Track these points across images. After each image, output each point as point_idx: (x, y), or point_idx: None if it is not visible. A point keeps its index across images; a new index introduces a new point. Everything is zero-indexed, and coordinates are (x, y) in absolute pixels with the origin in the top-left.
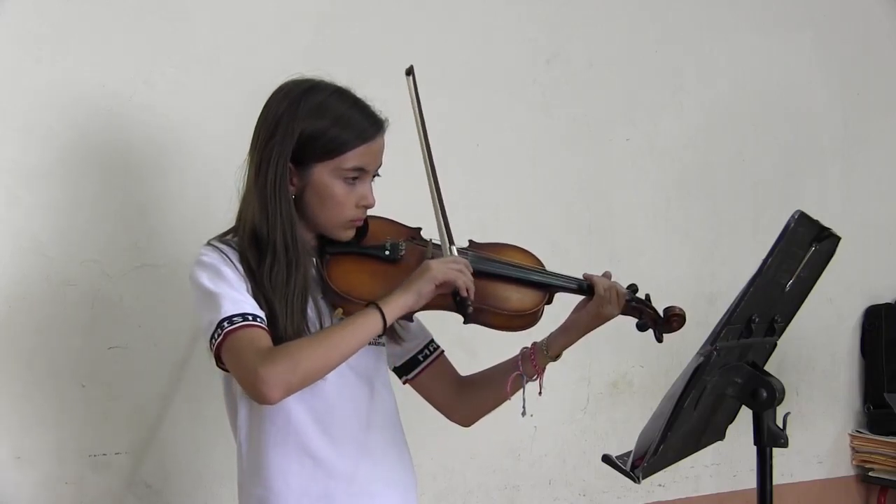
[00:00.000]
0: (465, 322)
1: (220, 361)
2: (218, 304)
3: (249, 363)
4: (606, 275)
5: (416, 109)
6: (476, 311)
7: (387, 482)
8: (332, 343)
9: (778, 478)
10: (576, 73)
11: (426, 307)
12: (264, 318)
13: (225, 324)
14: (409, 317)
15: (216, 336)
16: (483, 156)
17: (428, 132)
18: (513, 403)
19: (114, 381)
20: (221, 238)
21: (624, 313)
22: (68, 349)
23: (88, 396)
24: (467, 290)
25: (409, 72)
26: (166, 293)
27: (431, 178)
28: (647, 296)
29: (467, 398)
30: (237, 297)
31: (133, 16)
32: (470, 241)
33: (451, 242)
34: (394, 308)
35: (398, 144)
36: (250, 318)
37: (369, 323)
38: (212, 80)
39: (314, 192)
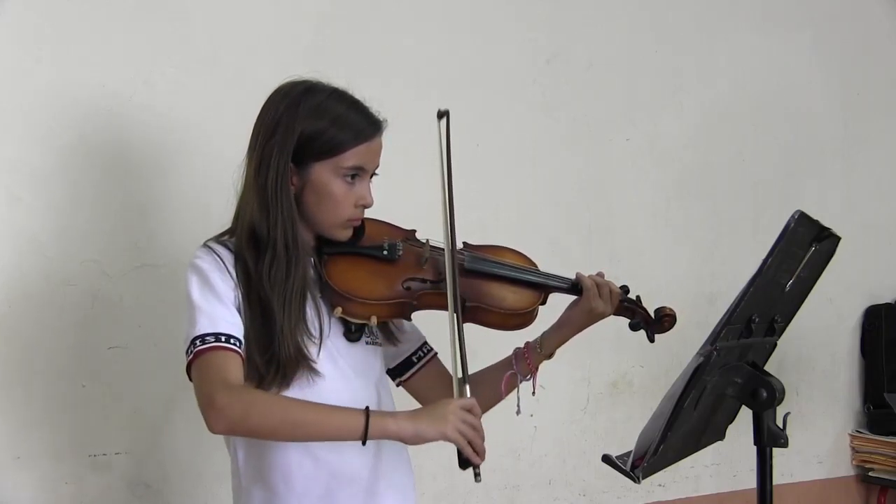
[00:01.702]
0: (462, 468)
1: (190, 374)
2: (195, 318)
3: (208, 389)
4: (599, 274)
5: (445, 155)
6: (472, 310)
7: (387, 481)
8: (295, 419)
9: (778, 478)
10: (576, 73)
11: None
12: (241, 338)
13: (197, 342)
14: (407, 317)
15: (189, 352)
16: (483, 156)
17: (453, 187)
18: (511, 404)
19: (114, 381)
20: (218, 239)
21: (617, 313)
22: (68, 349)
23: (88, 396)
24: (478, 456)
25: (443, 115)
26: (166, 293)
27: (451, 280)
28: (638, 297)
29: None
30: (216, 314)
31: (133, 16)
32: (465, 243)
33: (466, 382)
34: (383, 428)
35: (400, 147)
36: (223, 338)
37: (347, 424)
38: (212, 80)
39: (313, 192)
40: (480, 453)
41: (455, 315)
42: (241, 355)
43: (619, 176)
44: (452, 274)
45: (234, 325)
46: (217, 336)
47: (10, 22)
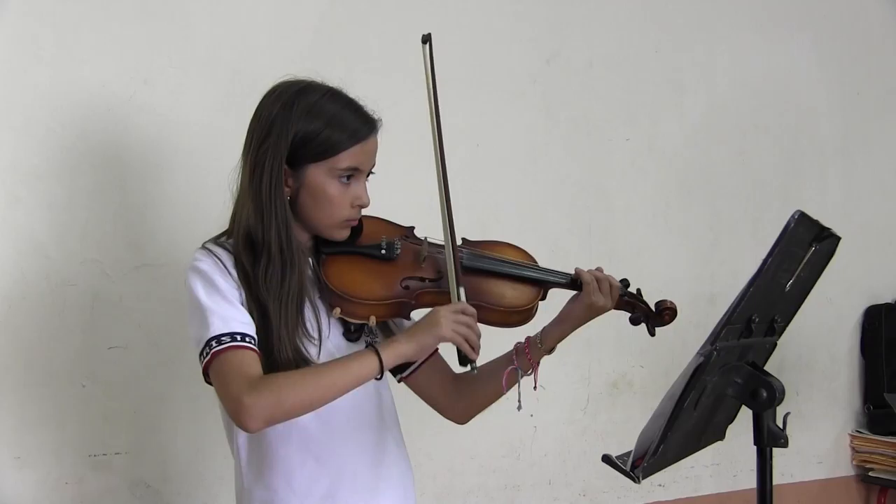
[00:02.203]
0: (461, 366)
1: (207, 376)
2: (207, 320)
3: (234, 390)
4: (598, 269)
5: (430, 81)
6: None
7: (389, 480)
8: (321, 382)
9: (778, 478)
10: (576, 73)
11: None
12: (254, 336)
13: (213, 343)
14: (406, 316)
15: (204, 354)
16: (483, 156)
17: (442, 125)
18: (512, 403)
19: (114, 381)
20: (216, 241)
21: (617, 307)
22: (68, 349)
23: (88, 396)
24: (473, 349)
25: (426, 40)
26: (166, 293)
27: (443, 198)
28: (639, 290)
29: (462, 395)
30: (227, 313)
31: (133, 16)
32: (463, 239)
33: (460, 284)
34: (392, 355)
35: (400, 147)
36: (238, 337)
37: (364, 367)
38: (212, 80)
39: (309, 193)
40: (476, 349)
41: (447, 215)
42: (257, 352)
43: (619, 176)
44: (443, 170)
45: (246, 324)
46: (232, 336)
47: (10, 22)
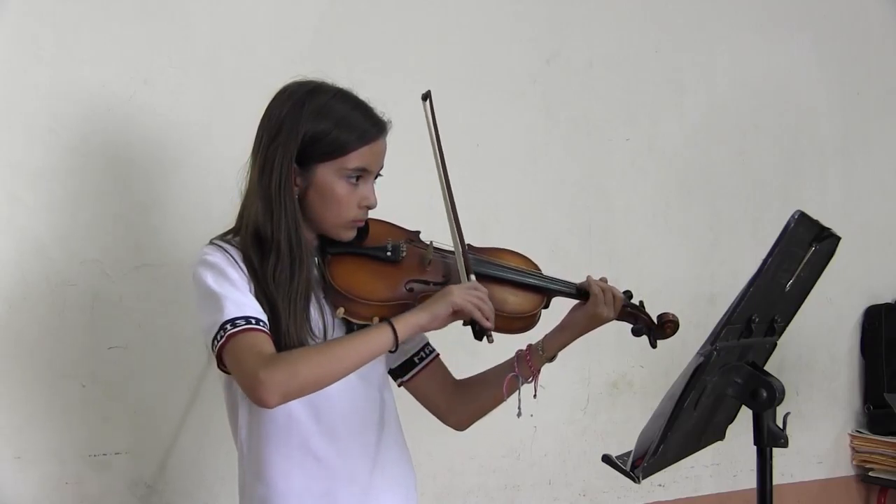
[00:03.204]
0: (477, 339)
1: (221, 363)
2: (221, 305)
3: (250, 367)
4: (602, 279)
5: (433, 135)
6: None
7: (388, 481)
8: (336, 354)
9: (778, 478)
10: (576, 73)
11: None
12: (266, 321)
13: (228, 326)
14: None
15: (218, 338)
16: (483, 156)
17: (445, 158)
18: (512, 405)
19: (114, 381)
20: (223, 238)
21: (619, 318)
22: (68, 349)
23: (88, 396)
24: (487, 320)
25: (426, 97)
26: (166, 293)
27: (449, 205)
28: (641, 302)
29: (462, 401)
30: (240, 300)
31: (133, 16)
32: (468, 245)
33: (470, 271)
34: (406, 326)
35: (399, 147)
36: (253, 321)
37: (379, 338)
38: (212, 80)
39: (317, 192)
40: (490, 318)
41: (450, 208)
42: (271, 336)
43: (619, 176)
44: (449, 196)
45: (258, 310)
46: (247, 319)
47: (10, 22)
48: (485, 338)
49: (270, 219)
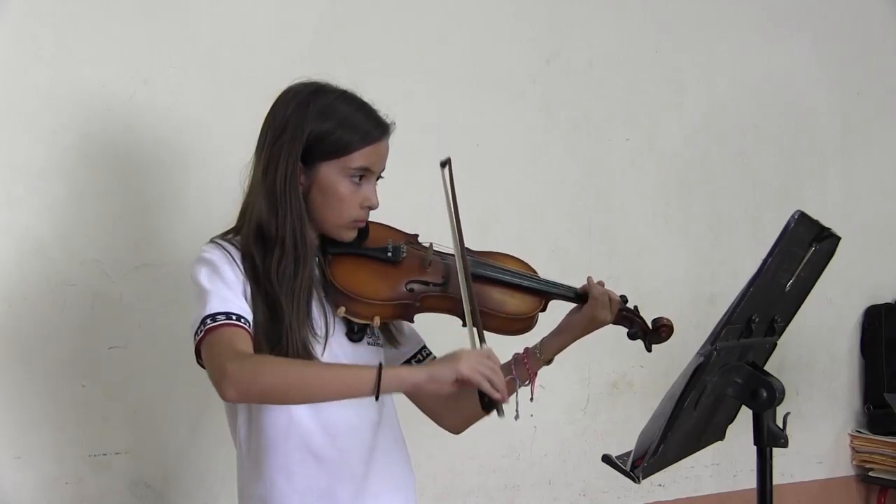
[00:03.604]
0: (485, 412)
1: (199, 357)
2: (206, 300)
3: (220, 359)
4: (600, 283)
5: (451, 201)
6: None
7: (387, 481)
8: (307, 377)
9: (778, 478)
10: (576, 73)
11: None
12: (250, 320)
13: (208, 320)
14: (410, 319)
15: (199, 332)
16: (483, 156)
17: (461, 224)
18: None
19: (114, 381)
20: (224, 237)
21: (616, 322)
22: (68, 349)
23: (88, 396)
24: (498, 391)
25: (445, 164)
26: (166, 293)
27: (463, 276)
28: (636, 307)
29: (458, 404)
30: (226, 296)
31: (133, 16)
32: (467, 249)
33: (483, 340)
34: (396, 379)
35: (399, 147)
36: (234, 317)
37: (359, 379)
38: (212, 80)
39: (320, 191)
40: (501, 390)
41: (466, 281)
42: (251, 334)
43: (619, 176)
44: (464, 262)
45: (244, 309)
46: (228, 315)
47: (10, 22)
48: (496, 411)
49: (275, 216)
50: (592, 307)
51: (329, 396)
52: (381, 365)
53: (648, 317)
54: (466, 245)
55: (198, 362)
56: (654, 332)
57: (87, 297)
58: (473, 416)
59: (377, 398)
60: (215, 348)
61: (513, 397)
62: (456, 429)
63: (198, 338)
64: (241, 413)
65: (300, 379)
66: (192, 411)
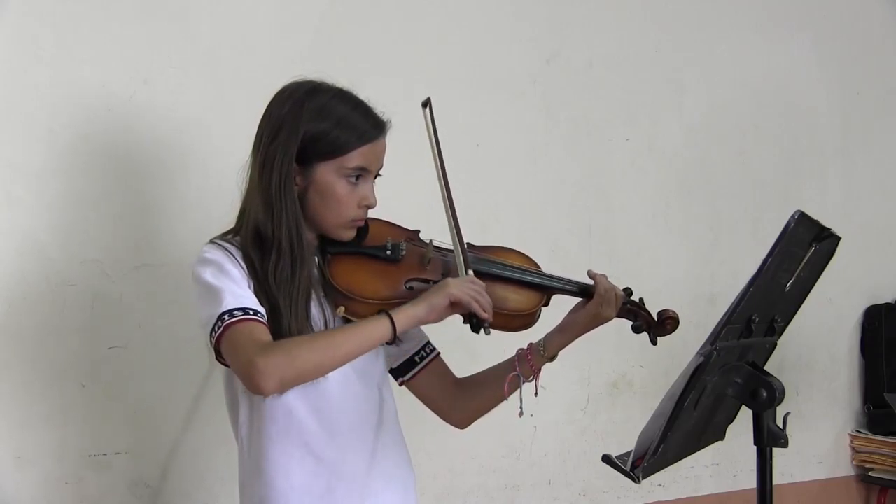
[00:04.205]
0: (475, 332)
1: (219, 355)
2: (219, 298)
3: (246, 354)
4: (603, 276)
5: (433, 141)
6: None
7: (388, 480)
8: (332, 343)
9: (778, 478)
10: (576, 73)
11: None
12: (265, 314)
13: (225, 317)
14: None
15: (216, 329)
16: (483, 156)
17: (445, 162)
18: (512, 405)
19: (114, 381)
20: (223, 237)
21: (620, 316)
22: (68, 349)
23: (88, 396)
24: (485, 311)
25: (426, 104)
26: (166, 293)
27: (448, 206)
28: (641, 299)
29: (463, 400)
30: (239, 292)
31: (133, 16)
32: (468, 244)
33: (468, 266)
34: (404, 317)
35: (399, 147)
36: (251, 312)
37: (377, 329)
38: (212, 80)
39: (317, 191)
40: (487, 311)
41: (451, 211)
42: (268, 327)
43: (619, 176)
44: (447, 193)
45: (256, 303)
46: (245, 310)
47: (10, 22)
48: (482, 330)
49: (271, 217)
50: (597, 304)
51: (356, 354)
52: (386, 312)
53: (652, 312)
54: (467, 241)
55: (217, 359)
56: (659, 325)
57: (87, 297)
58: (479, 410)
59: (394, 340)
60: (239, 345)
61: (516, 393)
62: (462, 423)
63: (215, 334)
64: (241, 411)
65: (327, 348)
66: (193, 411)
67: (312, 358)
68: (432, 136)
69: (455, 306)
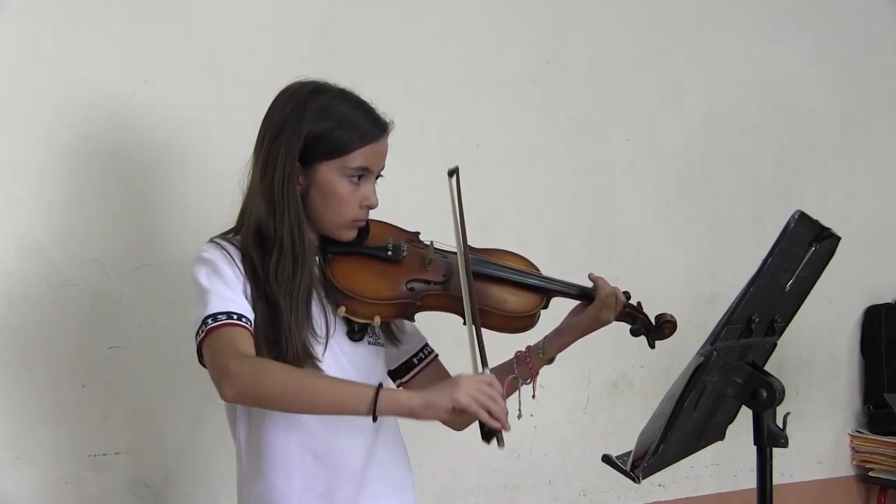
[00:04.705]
0: (485, 441)
1: (201, 357)
2: (207, 300)
3: (221, 359)
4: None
5: (458, 212)
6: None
7: (388, 480)
8: (306, 385)
9: (778, 478)
10: (576, 73)
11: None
12: (251, 319)
13: (209, 320)
14: (410, 318)
15: (200, 332)
16: (483, 156)
17: (467, 235)
18: (512, 406)
19: (114, 381)
20: (223, 236)
21: (618, 319)
22: (68, 349)
23: (88, 396)
24: (497, 421)
25: (453, 173)
26: (166, 293)
27: (467, 295)
28: (639, 303)
29: None
30: (226, 296)
31: (133, 16)
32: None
33: (485, 364)
34: (393, 403)
35: (399, 146)
36: (235, 316)
37: (357, 398)
38: (212, 80)
39: (319, 191)
40: (500, 419)
41: (469, 298)
42: (252, 334)
43: (619, 176)
44: (468, 277)
45: (244, 308)
46: (229, 314)
47: (10, 22)
48: (495, 440)
49: (273, 217)
50: (598, 308)
51: (325, 411)
52: (380, 385)
53: (650, 314)
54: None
55: (199, 361)
56: (657, 329)
57: (87, 297)
58: None
59: (374, 420)
60: (217, 348)
61: (514, 395)
62: (459, 426)
63: (199, 337)
64: (241, 412)
65: (298, 389)
66: (192, 411)
67: (278, 389)
68: (456, 206)
69: (457, 412)
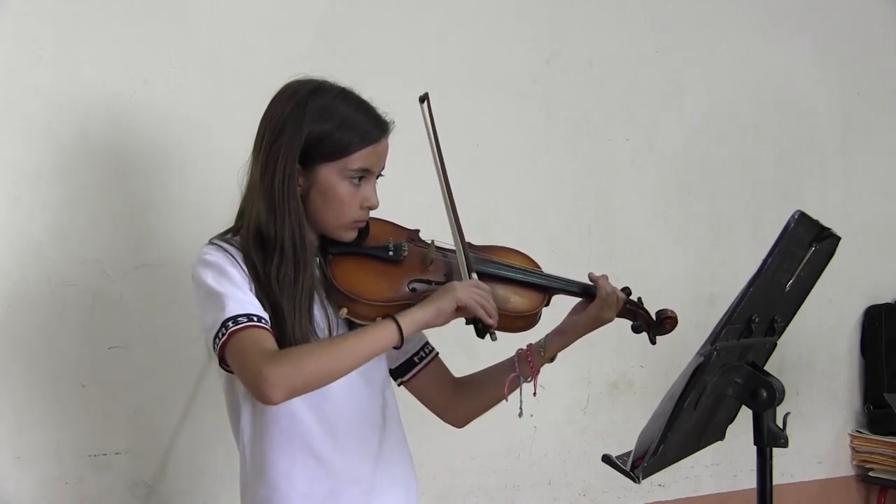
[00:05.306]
0: (480, 337)
1: (223, 362)
2: (222, 303)
3: (253, 363)
4: (603, 276)
5: (432, 136)
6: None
7: (391, 482)
8: (340, 350)
9: (778, 478)
10: (576, 73)
11: None
12: (268, 319)
13: (230, 324)
14: None
15: (220, 336)
16: (483, 156)
17: (444, 158)
18: (512, 405)
19: (114, 381)
20: (223, 237)
21: (619, 316)
22: (68, 349)
23: (88, 396)
24: (490, 317)
25: (423, 98)
26: (166, 293)
27: (449, 205)
28: (640, 298)
29: (462, 399)
30: (242, 298)
31: (133, 16)
32: (469, 244)
33: (472, 270)
34: (410, 322)
35: (399, 146)
36: (255, 318)
37: (384, 334)
38: (212, 80)
39: (319, 192)
40: (493, 316)
41: (450, 208)
42: (272, 333)
43: (619, 176)
44: (449, 199)
45: (260, 308)
46: (249, 316)
47: (10, 22)
48: (488, 335)
49: (274, 219)
50: (598, 307)
51: (362, 361)
52: (392, 316)
53: (651, 311)
54: (468, 241)
55: (221, 366)
56: (658, 325)
57: (87, 297)
58: (478, 410)
59: (400, 346)
60: (245, 353)
61: (516, 393)
62: (460, 423)
63: (219, 342)
64: (243, 415)
65: (335, 359)
66: (192, 411)
67: (320, 366)
68: (431, 131)
69: (461, 310)
